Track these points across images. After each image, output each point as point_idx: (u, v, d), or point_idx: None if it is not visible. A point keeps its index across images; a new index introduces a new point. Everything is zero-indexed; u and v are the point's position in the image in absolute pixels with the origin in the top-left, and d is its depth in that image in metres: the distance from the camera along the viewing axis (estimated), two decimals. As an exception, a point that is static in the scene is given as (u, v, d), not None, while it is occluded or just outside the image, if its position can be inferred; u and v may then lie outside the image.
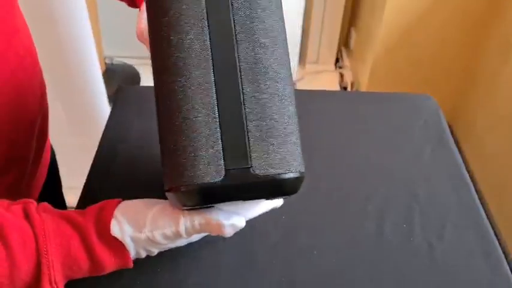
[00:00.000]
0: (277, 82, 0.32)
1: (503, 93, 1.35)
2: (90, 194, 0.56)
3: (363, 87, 1.64)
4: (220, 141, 0.30)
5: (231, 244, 0.51)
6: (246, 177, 0.31)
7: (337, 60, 1.92)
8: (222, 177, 0.30)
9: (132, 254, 0.33)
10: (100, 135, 0.65)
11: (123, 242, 0.31)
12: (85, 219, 0.31)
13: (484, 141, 1.46)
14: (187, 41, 0.31)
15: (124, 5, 0.50)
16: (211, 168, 0.30)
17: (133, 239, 0.32)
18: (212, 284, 0.47)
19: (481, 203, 1.58)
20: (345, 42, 1.90)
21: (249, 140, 0.31)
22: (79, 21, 0.99)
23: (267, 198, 0.36)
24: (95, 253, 0.31)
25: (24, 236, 0.29)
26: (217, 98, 0.31)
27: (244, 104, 0.31)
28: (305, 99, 0.71)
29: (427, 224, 0.53)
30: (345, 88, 1.81)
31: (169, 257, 0.49)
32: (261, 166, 0.31)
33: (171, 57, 0.31)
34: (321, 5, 1.70)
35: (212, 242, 0.51)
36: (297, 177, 0.32)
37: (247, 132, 0.31)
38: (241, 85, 0.31)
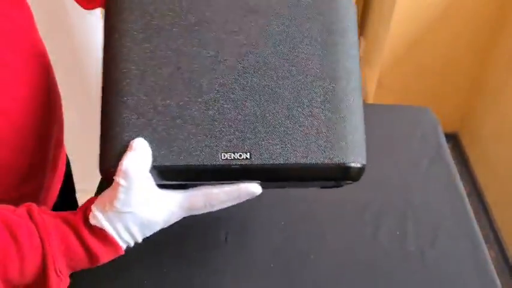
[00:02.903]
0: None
1: (509, 103, 1.36)
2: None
3: (371, 96, 1.66)
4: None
5: (234, 248, 0.54)
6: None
7: (345, 68, 1.94)
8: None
9: (116, 236, 0.36)
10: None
11: (103, 228, 0.36)
12: (75, 218, 0.36)
13: (490, 151, 1.47)
14: None
15: None
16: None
17: (107, 220, 0.36)
18: (216, 285, 0.50)
19: (486, 211, 1.58)
20: (353, 50, 1.93)
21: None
22: (93, 30, 1.03)
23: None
24: (88, 245, 0.35)
25: (30, 234, 0.34)
26: None
27: None
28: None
29: (421, 232, 0.56)
30: (353, 95, 1.83)
31: (176, 258, 0.52)
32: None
33: None
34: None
35: (217, 246, 0.54)
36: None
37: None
38: None
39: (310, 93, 0.38)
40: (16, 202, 0.43)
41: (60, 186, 0.56)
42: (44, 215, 0.36)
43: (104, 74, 0.39)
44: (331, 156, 0.37)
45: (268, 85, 0.38)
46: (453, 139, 1.72)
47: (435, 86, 1.59)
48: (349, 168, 0.38)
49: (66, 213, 0.37)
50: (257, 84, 0.38)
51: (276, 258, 0.53)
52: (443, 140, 0.69)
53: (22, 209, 0.36)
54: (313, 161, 0.37)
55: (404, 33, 1.46)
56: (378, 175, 0.64)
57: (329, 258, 0.53)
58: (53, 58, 0.50)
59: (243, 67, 0.38)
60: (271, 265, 0.52)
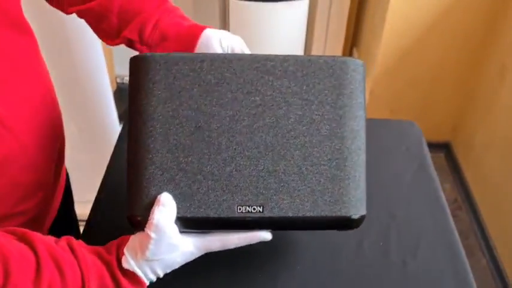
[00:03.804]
0: None
1: (500, 113, 1.39)
2: (101, 208, 0.62)
3: (364, 105, 1.68)
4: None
5: (224, 260, 0.56)
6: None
7: (340, 78, 1.97)
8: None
9: (144, 278, 0.41)
10: (110, 152, 0.71)
11: (134, 271, 0.40)
12: (110, 258, 0.40)
13: (482, 159, 1.49)
14: None
15: None
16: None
17: (138, 267, 0.40)
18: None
19: (478, 220, 1.58)
20: (348, 60, 1.96)
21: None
22: (90, 41, 1.06)
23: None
24: (120, 283, 0.40)
25: (72, 266, 0.38)
26: None
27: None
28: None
29: (403, 243, 0.58)
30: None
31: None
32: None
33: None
34: (323, 25, 1.76)
35: (205, 258, 0.56)
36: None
37: None
38: None
39: (318, 152, 0.41)
40: (20, 216, 0.46)
41: (61, 198, 0.59)
42: (83, 249, 0.39)
43: (130, 128, 0.41)
44: (335, 210, 0.41)
45: (281, 144, 0.41)
46: (446, 148, 1.74)
47: (427, 96, 1.62)
48: (351, 220, 0.42)
49: (100, 250, 0.40)
50: (270, 143, 0.41)
51: (264, 270, 0.55)
52: (427, 153, 0.71)
53: (63, 242, 0.39)
54: (319, 214, 0.41)
55: (396, 44, 1.49)
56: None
57: (315, 268, 0.55)
58: (52, 75, 0.53)
59: (258, 126, 0.41)
60: (259, 275, 0.54)
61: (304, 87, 0.41)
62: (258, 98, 0.41)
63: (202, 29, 0.49)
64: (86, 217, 0.62)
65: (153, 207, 0.39)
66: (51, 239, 0.39)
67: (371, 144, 0.74)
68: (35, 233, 0.38)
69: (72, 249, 0.38)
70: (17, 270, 0.34)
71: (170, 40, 0.49)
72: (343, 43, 1.80)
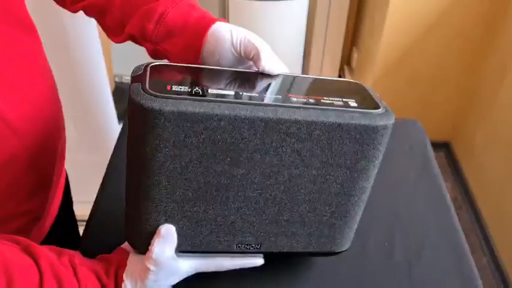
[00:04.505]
0: None
1: (500, 112, 1.39)
2: (101, 209, 0.61)
3: (364, 105, 1.68)
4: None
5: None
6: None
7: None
8: None
9: None
10: (110, 152, 0.70)
11: None
12: (108, 281, 0.40)
13: (482, 159, 1.49)
14: None
15: None
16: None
17: None
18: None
19: (479, 219, 1.58)
20: (347, 61, 1.96)
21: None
22: (89, 40, 1.05)
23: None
24: None
25: (73, 287, 0.37)
26: None
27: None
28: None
29: (408, 244, 0.57)
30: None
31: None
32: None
33: None
34: (323, 24, 1.75)
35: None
36: None
37: None
38: None
39: (323, 206, 0.41)
40: (22, 217, 0.45)
41: (61, 199, 0.58)
42: (83, 268, 0.39)
43: (131, 177, 0.39)
44: (326, 248, 0.45)
45: (289, 199, 0.40)
46: (446, 147, 1.74)
47: (427, 96, 1.62)
48: (336, 252, 0.47)
49: (98, 269, 0.40)
50: (279, 198, 0.40)
51: (267, 271, 0.54)
52: (430, 151, 0.71)
53: (65, 258, 0.38)
54: (312, 250, 0.45)
55: (396, 44, 1.48)
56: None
57: (318, 268, 0.54)
58: (54, 73, 0.52)
59: (270, 183, 0.39)
60: (262, 276, 0.53)
61: (326, 151, 0.37)
62: (275, 159, 0.37)
63: (211, 21, 0.45)
64: (84, 217, 0.61)
65: (153, 239, 0.39)
66: (53, 252, 0.38)
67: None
68: (38, 246, 0.37)
69: (73, 267, 0.38)
70: (20, 286, 0.33)
71: (176, 35, 0.45)
72: (343, 42, 1.79)
